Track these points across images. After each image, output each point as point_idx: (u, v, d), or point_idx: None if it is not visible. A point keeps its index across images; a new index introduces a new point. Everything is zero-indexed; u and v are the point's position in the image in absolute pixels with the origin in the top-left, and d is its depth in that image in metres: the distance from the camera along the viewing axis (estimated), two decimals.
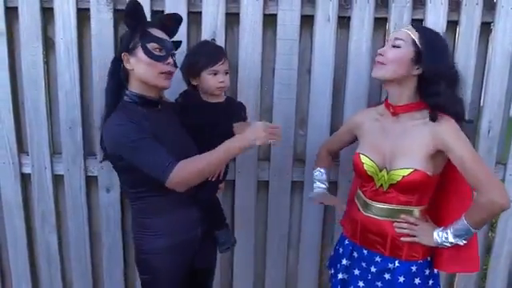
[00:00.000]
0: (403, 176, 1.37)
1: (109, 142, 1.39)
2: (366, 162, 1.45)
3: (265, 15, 1.82)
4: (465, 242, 1.38)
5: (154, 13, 1.80)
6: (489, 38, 1.89)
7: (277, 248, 2.05)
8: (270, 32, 1.87)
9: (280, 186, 1.97)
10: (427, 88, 1.37)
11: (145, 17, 1.45)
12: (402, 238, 1.44)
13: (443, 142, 1.34)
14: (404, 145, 1.40)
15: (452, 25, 1.85)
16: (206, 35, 1.82)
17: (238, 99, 1.81)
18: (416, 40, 1.36)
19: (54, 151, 1.97)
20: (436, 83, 1.34)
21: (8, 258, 2.06)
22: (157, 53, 1.41)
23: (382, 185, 1.44)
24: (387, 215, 1.45)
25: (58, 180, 1.98)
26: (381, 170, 1.44)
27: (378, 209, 1.46)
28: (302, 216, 2.01)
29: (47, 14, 1.83)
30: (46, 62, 1.88)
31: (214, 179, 1.58)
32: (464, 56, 1.84)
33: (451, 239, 1.38)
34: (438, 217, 1.49)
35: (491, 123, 1.90)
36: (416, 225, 1.42)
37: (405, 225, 1.43)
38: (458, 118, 1.39)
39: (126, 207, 1.99)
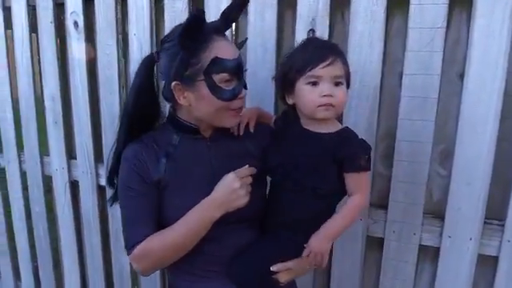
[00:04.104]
0: None
1: None
2: None
3: None
4: None
5: None
6: None
7: None
8: (397, 17, 1.23)
9: (400, 249, 1.32)
10: None
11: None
12: None
13: None
14: None
15: None
16: (302, 24, 1.29)
17: (344, 119, 1.25)
18: None
19: None
20: None
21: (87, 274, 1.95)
22: (226, 87, 0.97)
23: None
24: None
25: None
26: None
27: None
28: None
29: (124, 8, 1.56)
30: (124, 62, 1.64)
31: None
32: None
33: None
34: None
35: None
36: None
37: None
38: None
39: None
